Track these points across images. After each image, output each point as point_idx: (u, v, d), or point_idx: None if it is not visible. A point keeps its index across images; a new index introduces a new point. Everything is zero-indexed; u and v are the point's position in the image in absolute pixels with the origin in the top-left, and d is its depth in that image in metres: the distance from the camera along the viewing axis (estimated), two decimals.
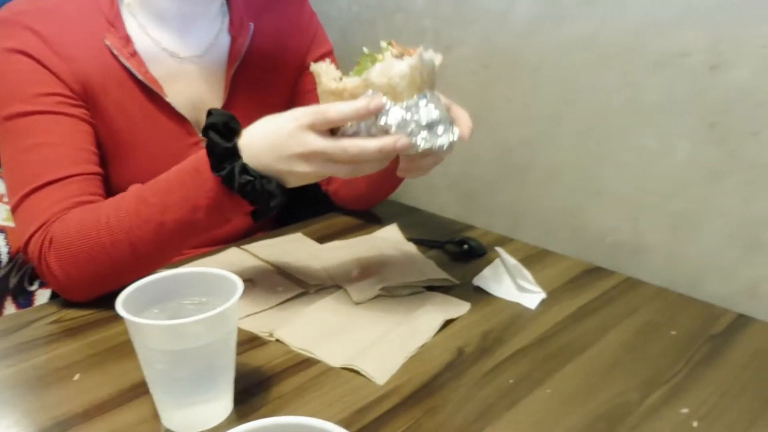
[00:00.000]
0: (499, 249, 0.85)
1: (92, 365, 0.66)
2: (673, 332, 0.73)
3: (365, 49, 0.66)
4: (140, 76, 0.84)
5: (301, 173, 0.66)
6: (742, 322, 0.75)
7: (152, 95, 0.86)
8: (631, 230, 0.91)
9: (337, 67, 0.68)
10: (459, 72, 1.08)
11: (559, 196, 0.99)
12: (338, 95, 0.65)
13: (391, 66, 0.63)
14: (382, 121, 0.63)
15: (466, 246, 0.93)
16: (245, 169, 0.66)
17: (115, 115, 0.84)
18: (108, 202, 0.75)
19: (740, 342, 0.71)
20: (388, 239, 0.97)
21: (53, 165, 0.77)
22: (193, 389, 0.55)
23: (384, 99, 0.63)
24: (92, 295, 0.76)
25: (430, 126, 0.65)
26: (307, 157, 0.65)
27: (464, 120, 0.70)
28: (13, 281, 1.02)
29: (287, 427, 0.37)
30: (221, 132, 0.67)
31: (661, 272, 0.88)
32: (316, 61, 1.00)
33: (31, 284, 1.04)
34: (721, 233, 0.82)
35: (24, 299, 1.03)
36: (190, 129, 0.90)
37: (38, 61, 0.78)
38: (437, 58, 0.67)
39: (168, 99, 0.87)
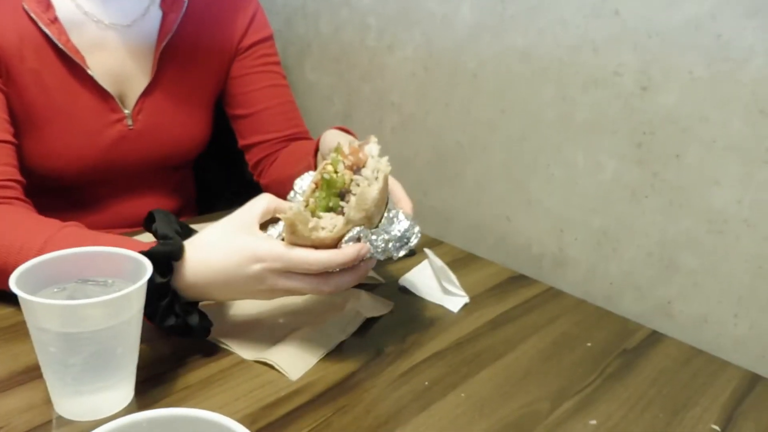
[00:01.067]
0: (427, 250, 0.84)
1: None
2: (589, 344, 0.74)
3: (325, 175, 0.61)
4: (61, 45, 0.79)
5: (255, 298, 0.65)
6: (654, 338, 0.77)
7: (73, 66, 0.81)
8: (556, 242, 0.93)
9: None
10: (399, 72, 1.07)
11: (490, 203, 1.00)
12: (319, 244, 0.59)
13: (366, 199, 0.58)
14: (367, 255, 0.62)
15: None
16: (171, 308, 0.60)
17: (31, 85, 0.79)
18: (32, 226, 0.66)
19: (651, 357, 0.72)
20: None
21: None
22: (88, 376, 0.52)
23: (368, 245, 0.60)
24: None
25: (402, 235, 0.64)
26: (272, 292, 0.62)
27: (405, 202, 0.68)
28: None
29: (178, 419, 0.35)
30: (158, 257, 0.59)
31: (582, 285, 0.90)
32: (253, 45, 0.98)
33: None
34: (641, 251, 0.84)
35: None
36: (113, 104, 0.85)
37: None
38: (385, 162, 0.62)
39: (90, 71, 0.82)
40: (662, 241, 0.82)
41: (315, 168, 0.84)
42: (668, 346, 0.75)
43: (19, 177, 0.75)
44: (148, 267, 0.53)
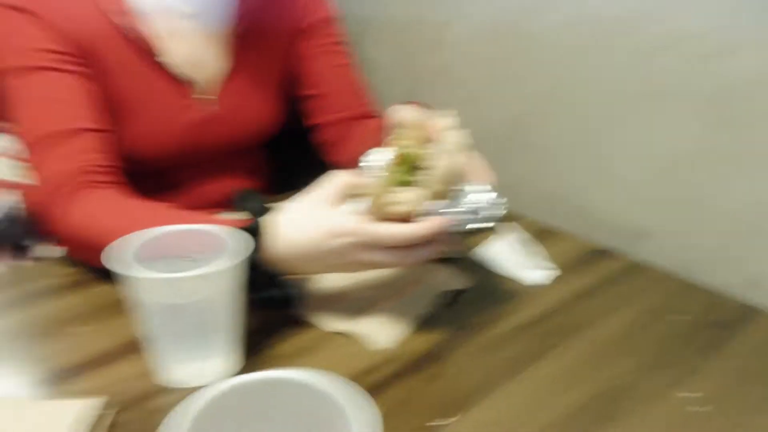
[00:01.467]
0: (506, 224, 0.84)
1: (93, 318, 0.66)
2: (677, 317, 0.72)
3: (401, 150, 0.62)
4: (135, 35, 0.81)
5: (338, 272, 0.67)
6: (745, 311, 0.74)
7: (148, 55, 0.83)
8: (637, 213, 0.90)
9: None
10: (462, 46, 1.06)
11: (566, 175, 0.98)
12: (397, 218, 0.60)
13: (443, 173, 0.60)
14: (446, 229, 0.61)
15: None
16: (264, 281, 0.63)
17: (110, 76, 0.82)
18: (134, 208, 0.72)
19: (743, 331, 0.70)
20: None
21: (67, 118, 0.76)
22: (190, 344, 0.55)
23: (447, 218, 0.60)
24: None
25: (481, 208, 0.63)
26: (355, 266, 0.63)
27: (485, 174, 0.67)
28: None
29: (288, 380, 0.37)
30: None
31: (667, 257, 0.87)
32: (316, 25, 0.99)
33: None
34: (728, 221, 0.81)
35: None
36: (189, 90, 0.88)
37: (34, 16, 0.76)
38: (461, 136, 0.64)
39: (166, 59, 0.84)
40: (750, 207, 0.78)
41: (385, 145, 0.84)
42: (760, 320, 0.72)
43: (116, 162, 0.79)
44: (248, 242, 0.55)
